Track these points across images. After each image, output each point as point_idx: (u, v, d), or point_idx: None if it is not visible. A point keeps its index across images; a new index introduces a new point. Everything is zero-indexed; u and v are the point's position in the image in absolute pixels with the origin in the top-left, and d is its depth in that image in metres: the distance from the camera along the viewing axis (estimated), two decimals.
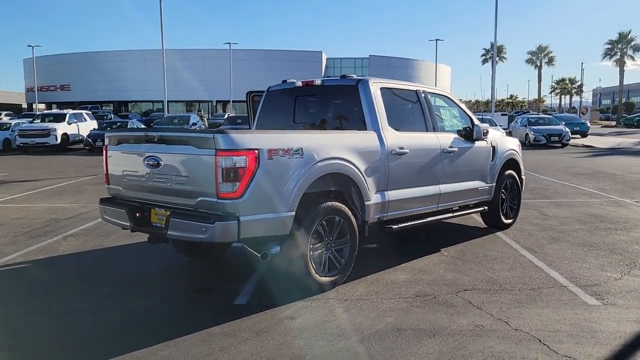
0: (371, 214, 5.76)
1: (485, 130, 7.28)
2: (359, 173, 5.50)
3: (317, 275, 5.20)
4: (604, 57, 61.68)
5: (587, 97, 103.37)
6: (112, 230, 8.07)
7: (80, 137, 27.37)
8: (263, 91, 7.38)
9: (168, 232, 4.87)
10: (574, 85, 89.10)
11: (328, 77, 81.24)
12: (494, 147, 7.65)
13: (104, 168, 5.71)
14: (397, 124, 6.12)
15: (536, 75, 78.39)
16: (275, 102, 6.94)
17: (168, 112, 40.96)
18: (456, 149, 6.88)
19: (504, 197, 7.95)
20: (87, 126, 28.32)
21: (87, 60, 66.87)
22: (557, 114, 43.35)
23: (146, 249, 6.93)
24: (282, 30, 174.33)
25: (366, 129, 5.86)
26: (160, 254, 6.75)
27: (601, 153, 23.41)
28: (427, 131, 6.56)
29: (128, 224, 5.32)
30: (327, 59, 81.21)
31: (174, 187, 4.90)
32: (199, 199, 4.71)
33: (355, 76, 6.29)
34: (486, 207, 7.59)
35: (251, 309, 4.82)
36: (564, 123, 30.20)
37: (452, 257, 6.48)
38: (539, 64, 75.00)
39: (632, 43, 59.57)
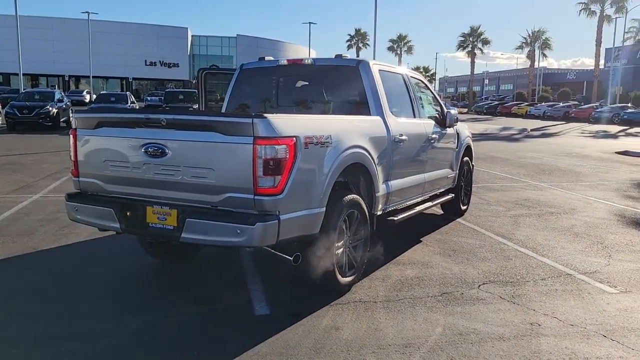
0: (379, 205, 5.36)
1: (456, 117, 7.20)
2: (372, 162, 5.06)
3: (339, 276, 4.69)
4: (458, 49, 66.64)
5: (435, 85, 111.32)
6: (32, 227, 6.81)
7: None
8: (217, 68, 6.59)
9: (182, 236, 4.05)
10: (428, 74, 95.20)
11: (197, 54, 78.20)
12: (458, 134, 7.62)
13: (72, 156, 4.63)
14: (394, 109, 5.76)
15: (397, 63, 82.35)
16: (251, 81, 6.19)
17: (20, 86, 36.43)
18: (436, 136, 6.70)
19: (461, 184, 7.99)
20: None
21: None
22: None
23: (90, 252, 5.98)
24: (145, 2, 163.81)
25: (369, 115, 5.42)
26: (111, 256, 5.75)
27: (475, 139, 25.05)
28: (414, 117, 6.29)
29: (116, 225, 4.35)
30: (192, 36, 77.95)
31: (187, 180, 4.07)
32: (226, 195, 3.95)
33: (348, 56, 5.80)
34: (453, 195, 7.56)
35: (279, 320, 4.19)
36: None
37: (439, 247, 6.32)
38: (399, 52, 78.81)
39: (482, 37, 64.97)
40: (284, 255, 4.19)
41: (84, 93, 53.29)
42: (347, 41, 77.63)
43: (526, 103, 57.71)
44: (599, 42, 54.34)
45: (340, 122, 4.82)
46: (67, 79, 69.56)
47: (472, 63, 67.23)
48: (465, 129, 8.23)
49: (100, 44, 61.25)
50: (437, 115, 6.96)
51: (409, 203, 6.15)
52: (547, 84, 77.10)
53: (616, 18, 52.93)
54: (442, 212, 8.09)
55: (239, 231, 3.84)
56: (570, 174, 12.87)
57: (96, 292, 4.81)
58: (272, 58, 6.15)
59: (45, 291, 4.80)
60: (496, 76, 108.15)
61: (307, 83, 6.05)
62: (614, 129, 34.25)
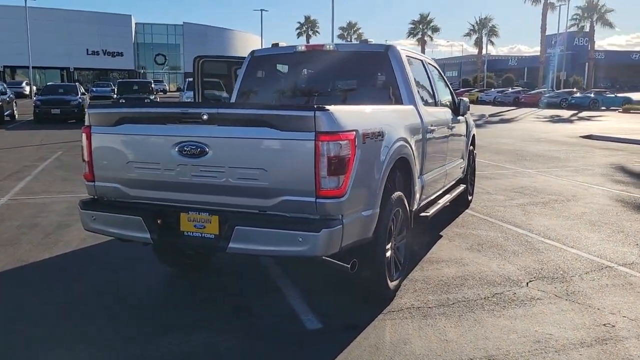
0: (416, 202, 5.00)
1: (468, 105, 6.91)
2: (412, 155, 4.69)
3: (389, 281, 4.31)
4: (409, 36, 67.18)
5: None
6: (14, 236, 6.15)
7: None
8: (214, 55, 6.06)
9: (230, 246, 3.55)
10: None
11: (142, 42, 75.37)
12: (467, 123, 7.36)
13: (86, 157, 4.02)
14: (422, 97, 5.40)
15: None
16: (263, 70, 5.68)
17: None
18: (454, 125, 6.41)
19: (468, 174, 7.75)
20: None
21: None
22: None
23: (91, 261, 5.41)
24: None
25: (402, 104, 5.04)
26: (116, 265, 5.17)
27: None
28: (436, 105, 5.95)
29: (146, 235, 3.79)
30: (136, 24, 75.15)
31: (232, 183, 3.57)
32: (281, 198, 3.48)
33: (373, 40, 5.38)
34: (464, 186, 7.30)
35: (336, 334, 3.77)
36: None
37: (463, 242, 6.03)
38: (349, 40, 78.65)
39: (431, 24, 65.70)
40: (341, 263, 3.75)
41: (24, 84, 50.51)
42: (297, 29, 77.04)
43: (476, 89, 58.80)
44: (543, 29, 55.88)
45: (388, 113, 4.41)
46: (1, 69, 65.69)
47: (423, 51, 67.79)
48: (470, 116, 7.98)
49: (38, 32, 58.03)
50: (451, 102, 6.65)
51: (433, 197, 5.82)
52: (491, 70, 78.89)
53: (560, 5, 54.59)
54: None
55: (300, 239, 3.38)
56: (551, 160, 12.93)
57: (115, 310, 4.23)
58: (285, 44, 5.64)
59: (56, 312, 4.18)
60: (442, 63, 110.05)
61: (328, 71, 5.57)
62: (565, 113, 35.22)
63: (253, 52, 5.69)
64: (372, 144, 3.81)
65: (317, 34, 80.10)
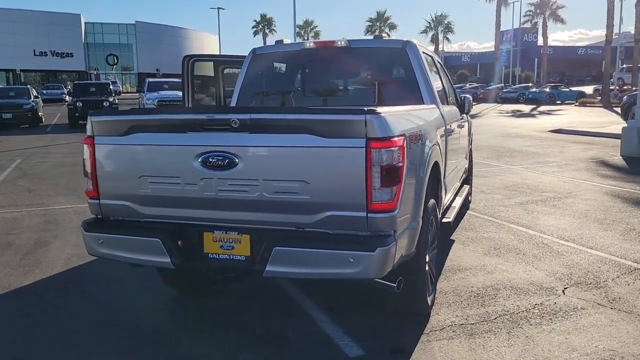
0: (443, 207, 4.68)
1: (472, 102, 6.65)
2: (441, 158, 4.37)
3: (426, 296, 3.97)
4: (366, 34, 67.16)
5: None
6: None
7: None
8: (206, 55, 5.58)
9: (268, 269, 3.12)
10: None
11: (93, 43, 72.74)
12: (468, 120, 7.10)
13: (88, 172, 3.50)
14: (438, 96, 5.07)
15: None
16: (267, 69, 5.23)
17: None
18: (464, 124, 6.13)
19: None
20: None
21: None
22: None
23: (86, 286, 4.80)
24: None
25: (422, 103, 4.69)
26: (114, 288, 4.65)
27: None
28: (448, 104, 5.64)
29: (166, 259, 3.31)
30: (86, 23, 72.65)
31: (267, 198, 3.13)
32: (326, 213, 3.07)
33: (387, 36, 5.01)
34: (468, 186, 7.04)
35: None
36: None
37: (478, 246, 5.75)
38: (306, 38, 78.24)
39: (388, 22, 66.07)
40: (388, 283, 3.36)
41: None
42: (253, 27, 76.03)
43: None
44: (498, 26, 56.97)
45: (421, 114, 4.05)
46: None
47: None
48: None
49: None
50: (457, 100, 6.36)
51: (449, 201, 5.51)
52: (445, 67, 79.70)
53: (513, 2, 55.73)
54: None
55: (352, 260, 2.99)
56: (530, 155, 12.90)
57: (125, 340, 3.73)
58: (289, 41, 5.22)
59: (60, 345, 3.65)
60: None
61: (341, 69, 5.17)
62: (525, 108, 35.86)
63: (254, 49, 5.22)
64: (415, 149, 3.45)
65: (273, 32, 79.21)
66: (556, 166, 11.16)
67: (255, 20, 76.28)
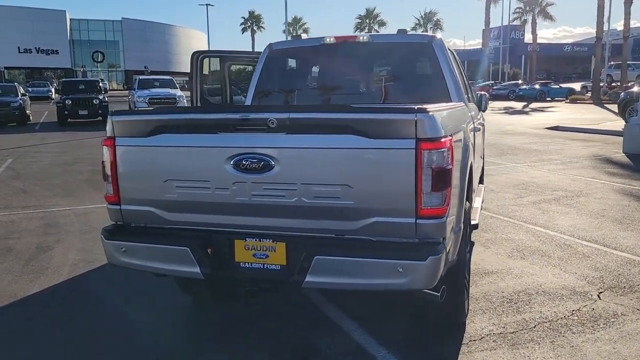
0: (472, 210, 4.48)
1: (488, 99, 6.47)
2: (473, 158, 4.17)
3: (465, 304, 3.77)
4: (355, 30, 67.00)
5: None
6: None
7: None
8: (214, 50, 5.33)
9: (307, 280, 2.90)
10: None
11: (78, 40, 71.72)
12: (483, 118, 6.91)
13: (108, 175, 3.25)
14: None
15: None
16: (285, 65, 5.00)
17: None
18: (482, 122, 5.94)
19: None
20: None
21: None
22: None
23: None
24: None
25: (449, 101, 4.49)
26: (130, 296, 4.40)
27: None
28: (469, 102, 5.45)
29: (195, 269, 3.07)
30: (71, 19, 71.64)
31: (306, 203, 2.91)
32: (371, 220, 2.86)
33: (409, 30, 4.81)
34: (483, 186, 6.86)
35: None
36: None
37: (500, 248, 5.58)
38: (295, 34, 77.87)
39: (378, 18, 65.94)
40: (433, 292, 3.16)
41: None
42: (241, 24, 75.45)
43: None
44: (487, 23, 57.03)
45: (458, 113, 3.84)
46: None
47: None
48: None
49: None
50: (475, 97, 6.17)
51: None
52: None
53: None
54: None
55: (401, 269, 2.78)
56: (532, 153, 12.79)
57: (150, 355, 3.50)
58: (306, 36, 4.99)
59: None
60: None
61: (363, 65, 4.94)
62: (516, 105, 35.86)
63: (271, 45, 4.99)
64: (458, 150, 3.25)
65: (262, 29, 78.73)
66: (560, 164, 11.04)
67: (244, 17, 75.76)
